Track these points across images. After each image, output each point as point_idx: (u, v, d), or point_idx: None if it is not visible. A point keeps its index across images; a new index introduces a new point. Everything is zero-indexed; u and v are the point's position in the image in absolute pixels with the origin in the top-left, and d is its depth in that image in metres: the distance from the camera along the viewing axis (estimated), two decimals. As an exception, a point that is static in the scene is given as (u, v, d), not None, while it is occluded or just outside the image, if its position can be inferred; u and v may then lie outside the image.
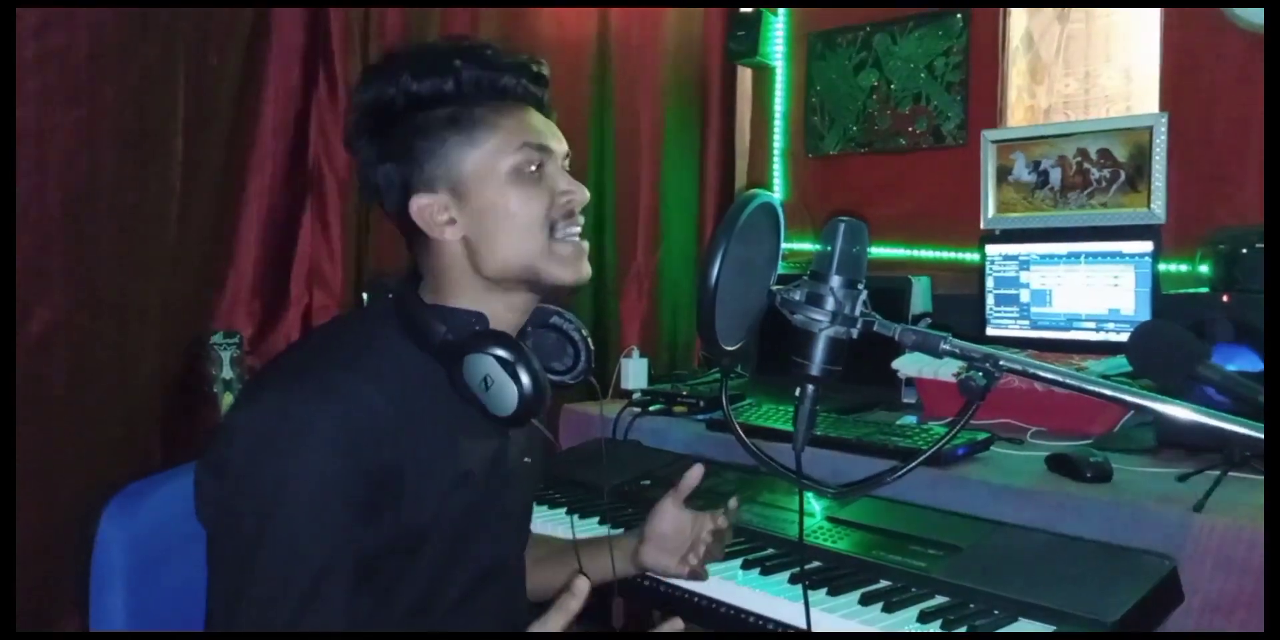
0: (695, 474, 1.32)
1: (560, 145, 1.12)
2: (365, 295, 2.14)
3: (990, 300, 2.32)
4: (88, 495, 1.50)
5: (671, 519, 1.32)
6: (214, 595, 1.00)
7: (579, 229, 1.11)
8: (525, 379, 1.02)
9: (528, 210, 1.07)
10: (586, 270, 1.12)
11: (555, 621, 0.93)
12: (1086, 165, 2.37)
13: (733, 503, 1.35)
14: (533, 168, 1.08)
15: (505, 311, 1.11)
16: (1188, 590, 1.29)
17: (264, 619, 0.95)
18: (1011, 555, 1.38)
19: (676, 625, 1.04)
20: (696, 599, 1.47)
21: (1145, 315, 2.04)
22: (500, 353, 1.03)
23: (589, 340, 1.21)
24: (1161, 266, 2.07)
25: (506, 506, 1.19)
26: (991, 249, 2.32)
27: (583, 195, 1.11)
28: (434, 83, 1.06)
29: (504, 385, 1.03)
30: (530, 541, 1.33)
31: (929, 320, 2.34)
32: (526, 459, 1.23)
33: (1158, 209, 2.24)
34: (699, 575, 1.35)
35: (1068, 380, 0.85)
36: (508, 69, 1.09)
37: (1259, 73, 2.08)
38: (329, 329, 1.23)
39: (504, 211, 1.07)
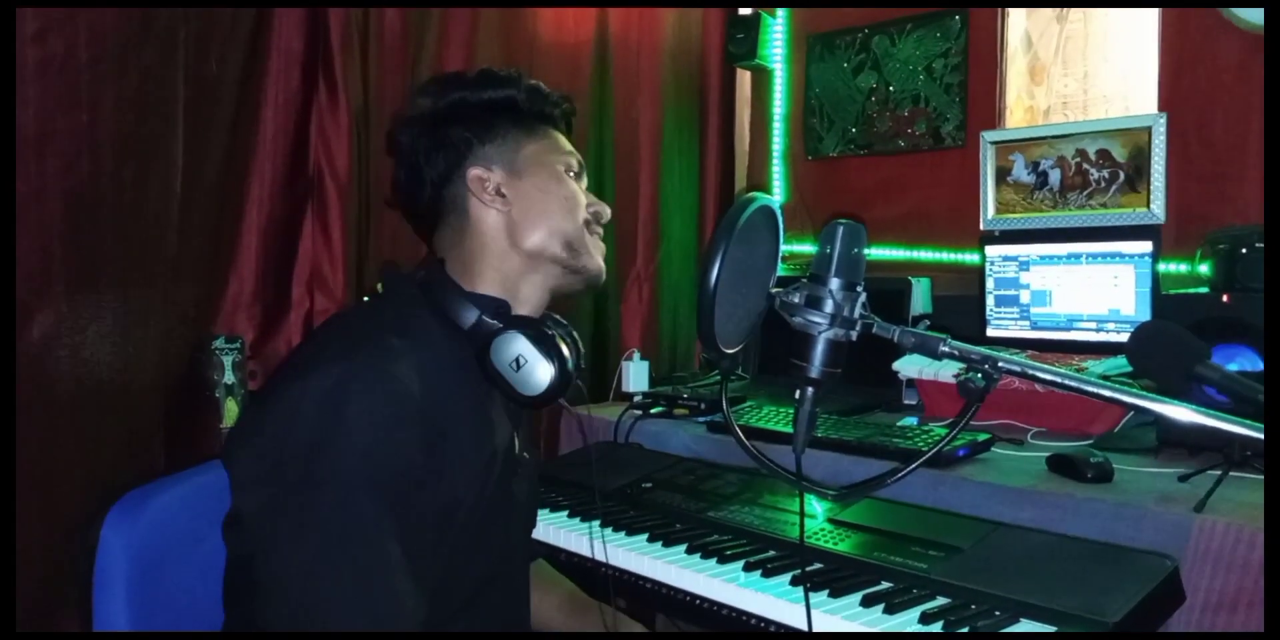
0: None
1: (585, 176, 1.29)
2: (366, 298, 2.14)
3: (990, 301, 2.32)
4: (89, 500, 1.51)
5: None
6: (269, 560, 0.98)
7: (600, 236, 1.27)
8: (557, 360, 1.09)
9: (578, 197, 1.23)
10: (604, 269, 1.26)
11: None
12: (1086, 166, 2.37)
13: None
14: (574, 173, 1.25)
15: (523, 303, 1.18)
16: (1189, 590, 1.29)
17: (343, 585, 0.95)
18: (1013, 556, 1.38)
19: None
20: (698, 601, 1.47)
21: (1145, 315, 2.04)
22: (533, 334, 1.10)
23: (579, 343, 1.26)
24: (1161, 266, 2.07)
25: (515, 498, 1.22)
26: (991, 250, 2.32)
27: (607, 210, 1.27)
28: (507, 92, 1.22)
29: (536, 365, 1.08)
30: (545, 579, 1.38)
31: (928, 322, 2.34)
32: (526, 454, 1.25)
33: (1157, 209, 2.24)
34: None
35: (1067, 381, 0.85)
36: (555, 101, 1.26)
37: (1258, 72, 2.09)
38: (363, 309, 1.28)
39: (556, 193, 1.21)
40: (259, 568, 0.99)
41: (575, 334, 1.25)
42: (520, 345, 1.08)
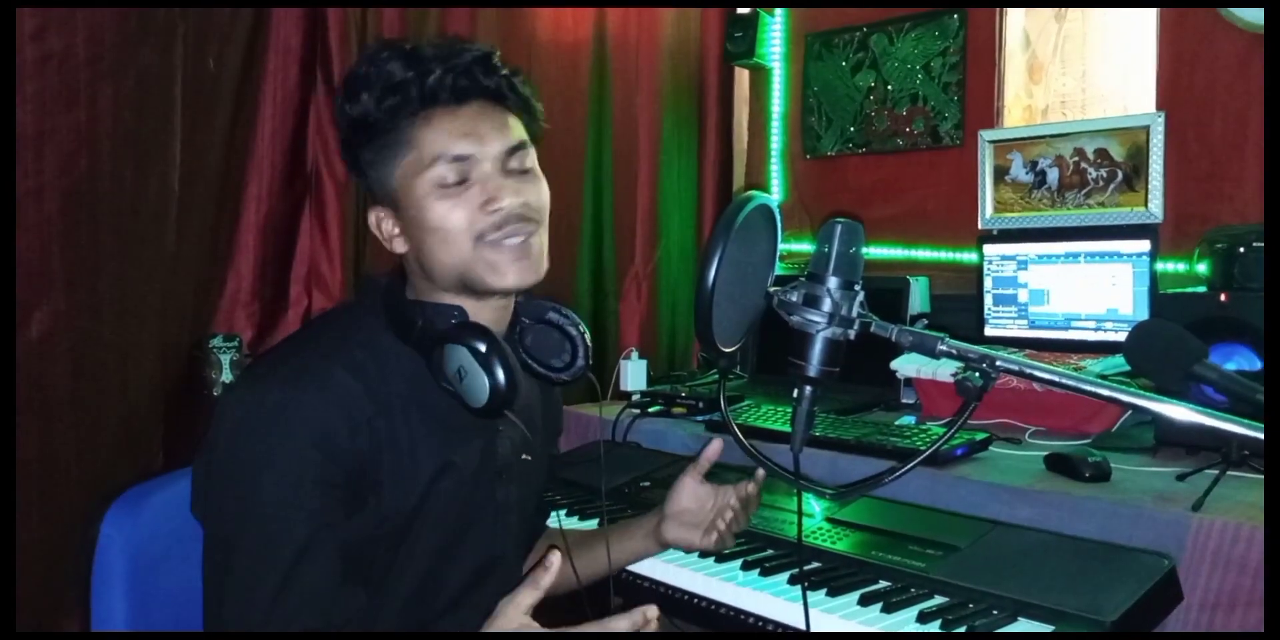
0: (715, 448, 1.32)
1: (493, 145, 1.07)
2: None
3: (988, 300, 2.32)
4: (88, 498, 1.51)
5: (692, 494, 1.33)
6: (205, 580, 1.03)
7: (519, 235, 1.08)
8: (497, 370, 1.03)
9: (448, 222, 1.06)
10: (529, 271, 1.09)
11: (527, 596, 0.94)
12: (1084, 165, 2.37)
13: (760, 473, 1.34)
14: (451, 180, 1.06)
15: (480, 310, 1.12)
16: (1186, 589, 1.29)
17: (248, 600, 0.99)
18: (1010, 555, 1.38)
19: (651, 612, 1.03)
20: (696, 600, 1.47)
21: (1143, 314, 2.04)
22: (473, 344, 1.04)
23: (586, 336, 1.20)
24: (1159, 266, 2.07)
25: (500, 502, 1.19)
26: (989, 249, 2.32)
27: (511, 204, 1.06)
28: (361, 107, 1.07)
29: (476, 376, 1.04)
30: (549, 534, 1.37)
31: (926, 321, 2.34)
32: (526, 457, 1.23)
33: (1155, 208, 2.24)
34: (725, 543, 1.35)
35: (1065, 380, 0.85)
36: (429, 71, 1.06)
37: (1256, 71, 2.09)
38: (316, 323, 1.26)
39: (427, 225, 1.07)
40: (204, 567, 1.04)
41: (581, 328, 1.19)
42: (460, 356, 1.04)
